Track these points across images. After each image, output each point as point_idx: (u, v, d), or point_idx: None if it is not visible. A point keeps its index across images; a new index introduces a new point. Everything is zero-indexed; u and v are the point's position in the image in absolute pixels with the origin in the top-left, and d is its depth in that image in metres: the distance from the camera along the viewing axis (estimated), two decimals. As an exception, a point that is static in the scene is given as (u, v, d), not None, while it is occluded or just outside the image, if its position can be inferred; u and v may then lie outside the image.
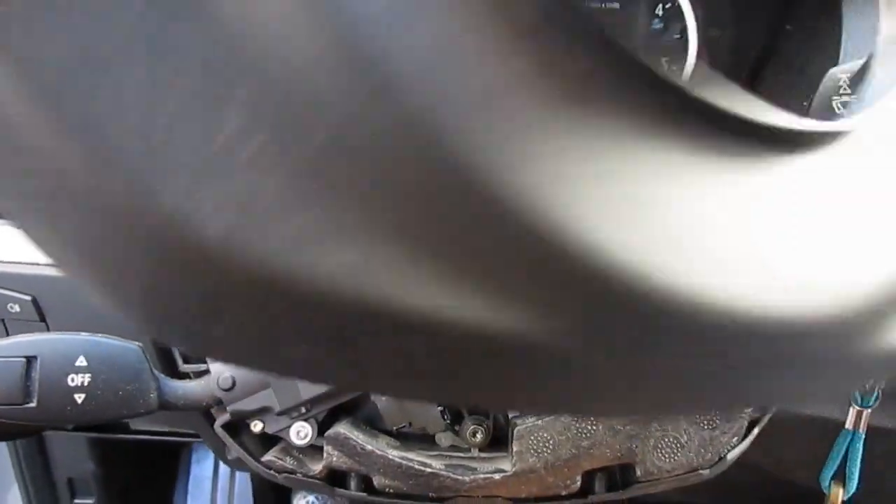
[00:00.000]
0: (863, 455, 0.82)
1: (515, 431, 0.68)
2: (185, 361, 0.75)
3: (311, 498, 1.67)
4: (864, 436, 0.81)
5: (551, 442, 0.68)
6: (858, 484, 0.82)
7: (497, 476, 0.68)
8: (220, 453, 0.88)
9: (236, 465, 1.42)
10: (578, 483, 0.70)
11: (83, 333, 0.69)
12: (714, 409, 0.66)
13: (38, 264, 0.85)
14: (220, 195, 0.15)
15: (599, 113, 0.15)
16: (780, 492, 0.94)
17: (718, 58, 1.12)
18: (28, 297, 0.84)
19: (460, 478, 0.69)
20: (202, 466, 1.96)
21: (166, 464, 1.90)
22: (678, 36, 1.11)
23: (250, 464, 0.72)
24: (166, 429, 1.36)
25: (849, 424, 0.80)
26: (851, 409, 0.80)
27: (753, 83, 1.10)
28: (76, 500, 1.50)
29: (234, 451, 0.72)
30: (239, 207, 0.15)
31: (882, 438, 0.86)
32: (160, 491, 1.87)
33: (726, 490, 1.06)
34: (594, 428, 0.68)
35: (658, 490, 0.71)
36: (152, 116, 0.15)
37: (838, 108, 0.67)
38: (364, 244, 0.15)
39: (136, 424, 1.37)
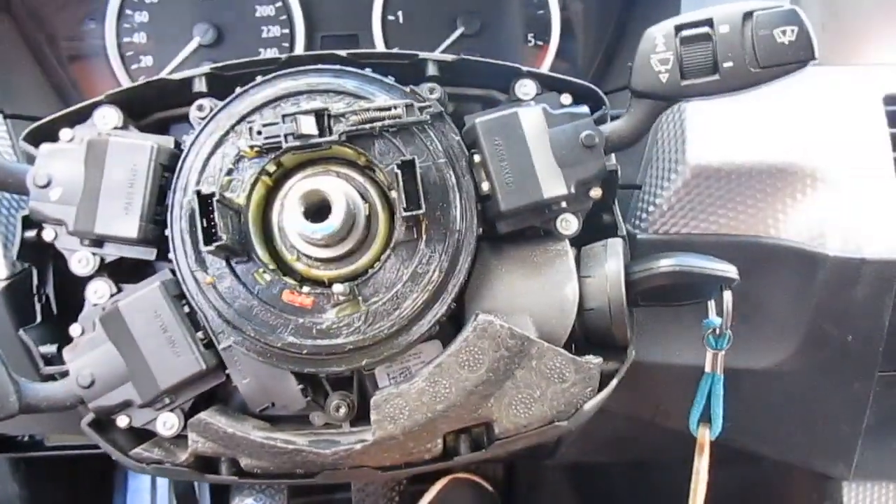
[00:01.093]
0: (725, 395, 0.86)
1: (372, 401, 0.70)
2: (48, 363, 0.76)
3: (249, 500, 1.67)
4: (722, 377, 0.85)
5: (407, 408, 0.70)
6: (725, 424, 0.86)
7: (358, 446, 0.70)
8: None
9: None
10: (440, 446, 0.72)
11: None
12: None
13: None
14: None
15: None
16: (661, 439, 0.98)
17: (580, 31, 1.16)
18: None
19: (323, 451, 0.70)
20: (138, 480, 1.94)
21: (99, 481, 1.87)
22: (541, 11, 1.14)
23: (119, 459, 0.73)
24: (84, 443, 1.35)
25: (707, 367, 0.84)
26: (708, 352, 0.84)
27: (613, 53, 1.14)
28: (3, 526, 1.47)
29: (102, 447, 0.73)
30: None
31: (746, 379, 0.90)
32: (94, 507, 1.84)
33: (611, 442, 1.10)
34: (448, 391, 0.70)
35: (520, 446, 0.74)
36: None
37: (656, 66, 0.70)
38: None
39: (50, 440, 1.36)
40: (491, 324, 0.70)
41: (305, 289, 0.70)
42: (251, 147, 0.69)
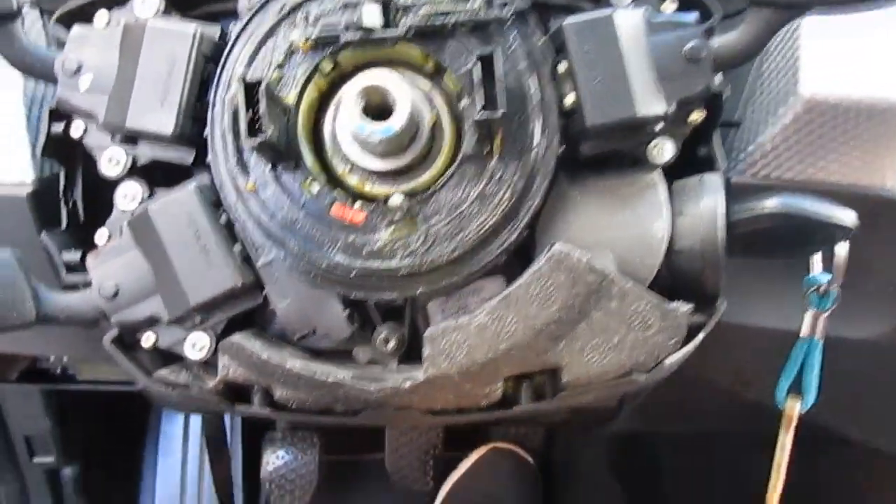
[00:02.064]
0: (822, 365, 0.76)
1: (426, 334, 0.61)
2: (71, 271, 0.69)
3: (280, 452, 1.61)
4: (821, 343, 0.74)
5: (466, 344, 0.61)
6: (817, 397, 0.76)
7: (407, 384, 0.62)
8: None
9: (169, 405, 1.35)
10: (499, 392, 0.63)
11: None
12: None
13: None
14: None
15: None
16: (735, 408, 0.88)
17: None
18: None
19: (366, 388, 0.62)
20: (172, 423, 1.90)
21: (132, 421, 1.84)
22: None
23: (141, 381, 0.66)
24: (116, 378, 1.30)
25: (805, 331, 0.74)
26: (808, 312, 0.73)
27: None
28: (35, 459, 1.44)
29: (124, 367, 0.65)
30: None
31: (843, 349, 0.80)
32: (127, 449, 1.81)
33: (678, 410, 1.00)
34: (513, 328, 0.61)
35: (589, 399, 0.65)
36: None
37: None
38: None
39: (83, 374, 1.31)
40: (568, 256, 0.61)
41: (357, 204, 0.61)
42: (305, 39, 0.61)
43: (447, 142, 0.63)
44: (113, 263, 0.64)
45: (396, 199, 0.60)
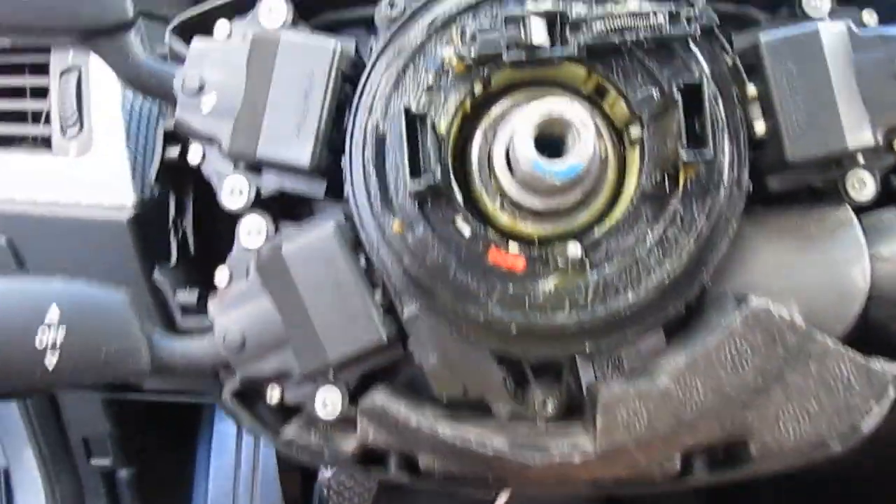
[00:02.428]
0: None
1: (601, 402, 0.53)
2: (184, 313, 0.61)
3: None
4: None
5: (647, 414, 0.53)
6: None
7: (576, 458, 0.54)
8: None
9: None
10: (677, 464, 0.55)
11: (57, 278, 0.55)
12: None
13: (12, 201, 0.71)
14: None
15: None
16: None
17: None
18: (1, 240, 0.71)
19: (529, 461, 0.54)
20: (226, 423, 1.84)
21: (187, 422, 1.79)
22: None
23: (269, 440, 0.59)
24: (182, 388, 1.24)
25: None
26: None
27: None
28: (93, 461, 1.39)
29: (247, 425, 0.58)
30: None
31: None
32: (181, 450, 1.76)
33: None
34: (700, 395, 0.53)
35: (772, 469, 0.57)
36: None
37: None
38: None
39: (148, 384, 1.25)
40: (768, 314, 0.53)
41: (513, 246, 0.53)
42: (460, 58, 0.53)
43: (610, 176, 0.55)
44: (239, 310, 0.57)
45: (573, 249, 0.51)
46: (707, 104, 0.48)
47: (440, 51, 0.54)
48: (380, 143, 0.53)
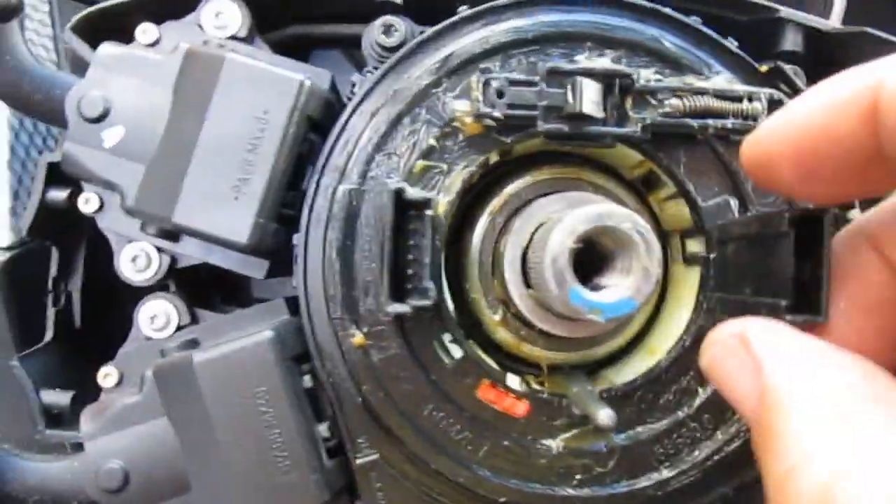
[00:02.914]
0: None
1: None
2: (52, 421, 0.44)
3: None
4: None
5: None
6: None
7: None
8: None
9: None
10: None
11: None
12: None
13: None
14: None
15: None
16: None
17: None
18: None
19: None
20: None
21: None
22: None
23: None
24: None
25: None
26: None
27: None
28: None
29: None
30: None
31: None
32: None
33: None
34: None
35: None
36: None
37: None
38: None
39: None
40: None
41: (514, 382, 0.39)
42: (478, 117, 0.37)
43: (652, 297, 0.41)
44: (124, 434, 0.40)
45: (605, 416, 0.36)
46: (826, 247, 0.32)
47: (451, 102, 0.39)
48: (350, 220, 0.37)
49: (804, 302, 0.32)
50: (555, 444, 0.39)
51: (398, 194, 0.35)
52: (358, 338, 0.38)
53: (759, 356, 0.28)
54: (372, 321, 0.38)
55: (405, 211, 0.36)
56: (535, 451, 0.39)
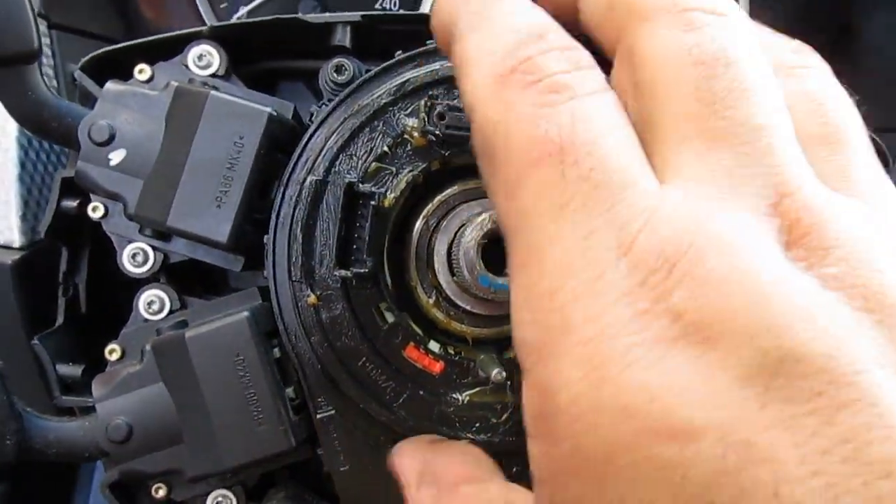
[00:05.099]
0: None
1: None
2: (65, 389, 0.54)
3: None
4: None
5: None
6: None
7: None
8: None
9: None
10: None
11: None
12: None
13: None
14: None
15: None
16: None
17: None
18: None
19: None
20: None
21: (61, 475, 1.66)
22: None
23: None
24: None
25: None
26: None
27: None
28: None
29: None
30: None
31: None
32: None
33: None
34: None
35: None
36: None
37: None
38: None
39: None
40: None
41: (434, 346, 0.48)
42: (423, 133, 0.47)
43: None
44: (128, 396, 0.49)
45: (496, 372, 0.46)
46: None
47: (403, 118, 0.49)
48: (314, 204, 0.47)
49: None
50: (461, 397, 0.48)
51: (350, 186, 0.45)
52: (312, 298, 0.48)
53: (394, 466, 0.45)
54: (323, 286, 0.47)
55: (356, 200, 0.46)
56: (445, 402, 0.48)
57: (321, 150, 0.48)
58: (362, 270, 0.45)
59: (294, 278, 0.47)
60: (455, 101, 0.48)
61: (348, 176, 0.47)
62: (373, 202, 0.46)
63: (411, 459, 0.43)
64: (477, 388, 0.48)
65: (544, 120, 0.26)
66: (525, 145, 0.26)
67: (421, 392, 0.48)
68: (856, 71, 0.72)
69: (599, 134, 0.26)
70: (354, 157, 0.48)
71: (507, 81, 0.27)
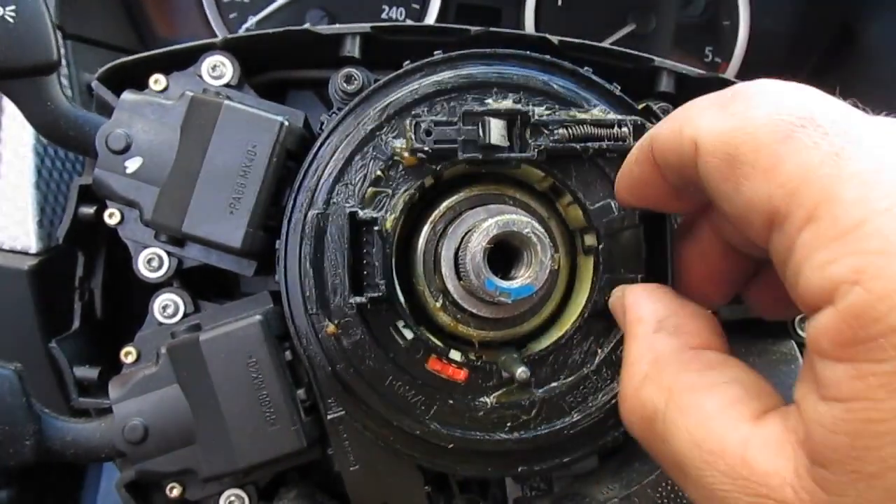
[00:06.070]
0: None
1: None
2: (83, 392, 0.55)
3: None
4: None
5: None
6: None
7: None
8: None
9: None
10: None
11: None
12: None
13: None
14: None
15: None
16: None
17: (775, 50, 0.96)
18: None
19: None
20: (113, 479, 1.71)
21: (70, 475, 1.67)
22: (727, 22, 0.93)
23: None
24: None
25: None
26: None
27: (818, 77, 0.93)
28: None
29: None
30: None
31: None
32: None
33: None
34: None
35: None
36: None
37: None
38: None
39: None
40: None
41: (455, 355, 0.49)
42: (412, 152, 0.49)
43: (560, 284, 0.52)
44: (144, 397, 0.51)
45: (521, 371, 0.48)
46: (669, 234, 0.45)
47: (391, 141, 0.50)
48: (319, 237, 0.48)
49: (653, 275, 0.44)
50: (489, 400, 0.50)
51: (353, 216, 0.46)
52: (331, 327, 0.49)
53: (626, 301, 0.41)
54: (340, 314, 0.49)
55: (359, 228, 0.47)
56: (474, 407, 0.49)
57: (319, 179, 0.50)
58: (377, 294, 0.46)
59: (311, 311, 0.49)
60: (438, 115, 0.49)
61: (347, 205, 0.48)
62: (376, 228, 0.47)
63: (655, 303, 0.42)
64: (503, 389, 0.50)
65: None
66: None
67: (450, 401, 0.49)
68: (856, 71, 0.73)
69: None
70: (350, 185, 0.50)
71: None
